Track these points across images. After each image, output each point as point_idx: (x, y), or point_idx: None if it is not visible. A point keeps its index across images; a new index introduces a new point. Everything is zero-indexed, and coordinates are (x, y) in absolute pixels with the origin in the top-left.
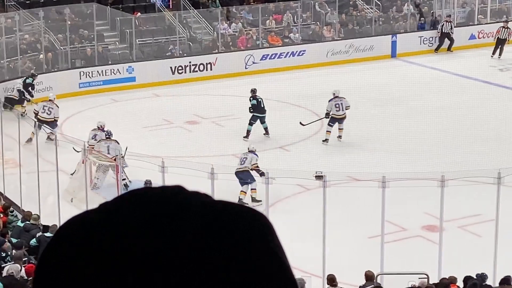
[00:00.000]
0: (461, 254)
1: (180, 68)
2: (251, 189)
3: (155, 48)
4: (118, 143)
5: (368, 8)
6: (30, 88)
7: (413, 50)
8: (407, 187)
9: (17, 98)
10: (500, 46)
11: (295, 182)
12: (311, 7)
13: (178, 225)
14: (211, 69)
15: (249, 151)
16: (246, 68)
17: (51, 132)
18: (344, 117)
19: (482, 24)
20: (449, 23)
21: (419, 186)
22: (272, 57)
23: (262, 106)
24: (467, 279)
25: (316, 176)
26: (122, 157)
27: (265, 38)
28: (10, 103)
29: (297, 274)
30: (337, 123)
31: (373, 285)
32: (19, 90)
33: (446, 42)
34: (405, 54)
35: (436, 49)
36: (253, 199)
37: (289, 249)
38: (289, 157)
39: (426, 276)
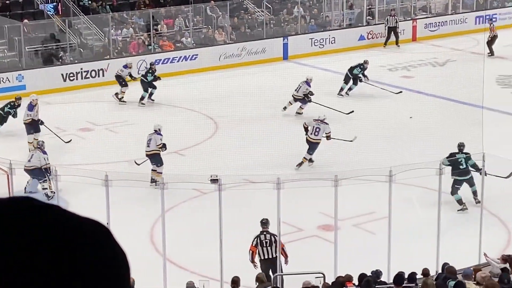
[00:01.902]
0: (356, 252)
1: (71, 75)
2: (155, 171)
3: (45, 55)
4: (45, 153)
5: (259, 11)
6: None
7: (304, 52)
8: (302, 187)
9: None
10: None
11: (190, 186)
12: (203, 11)
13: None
14: (103, 75)
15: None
16: (138, 73)
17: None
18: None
19: (371, 25)
20: (393, 17)
21: (314, 187)
22: (165, 62)
23: None
24: (362, 277)
25: (211, 179)
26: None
27: (157, 43)
28: None
29: (194, 278)
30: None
31: (270, 287)
32: None
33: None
34: (296, 56)
35: (385, 44)
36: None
37: (186, 254)
38: (184, 161)
39: (322, 275)
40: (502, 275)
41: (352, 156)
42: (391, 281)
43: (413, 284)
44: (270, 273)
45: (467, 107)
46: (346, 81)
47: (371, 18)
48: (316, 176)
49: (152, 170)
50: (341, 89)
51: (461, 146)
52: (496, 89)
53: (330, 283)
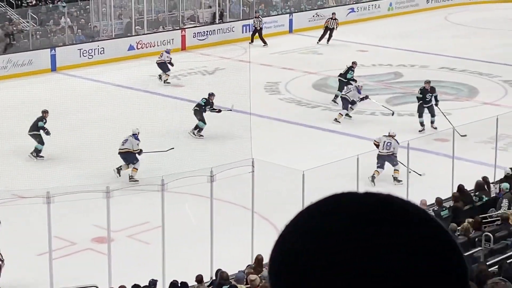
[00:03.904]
0: (131, 262)
1: None
2: (134, 168)
3: None
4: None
5: (24, 22)
6: None
7: (73, 63)
8: (74, 200)
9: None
10: (329, 34)
11: None
12: None
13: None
14: None
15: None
16: None
17: None
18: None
19: (140, 35)
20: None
21: (86, 199)
22: None
23: None
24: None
25: None
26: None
27: None
28: None
29: None
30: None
31: None
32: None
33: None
34: (65, 68)
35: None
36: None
37: None
38: None
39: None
40: None
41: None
42: None
43: None
44: None
45: (237, 114)
46: (340, 88)
47: (140, 28)
48: (88, 188)
49: (134, 168)
50: (336, 96)
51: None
52: (264, 95)
53: None
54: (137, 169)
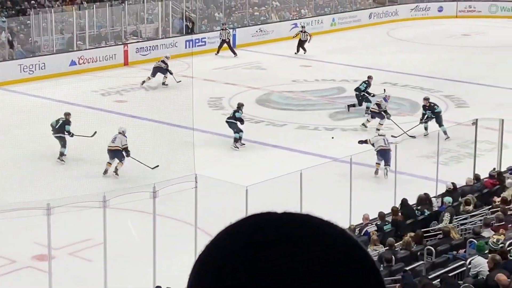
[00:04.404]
0: (73, 280)
1: None
2: (121, 162)
3: None
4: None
5: None
6: None
7: (14, 79)
8: (14, 218)
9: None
10: (301, 46)
11: None
12: None
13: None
14: None
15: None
16: None
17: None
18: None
19: (81, 50)
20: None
21: (26, 216)
22: None
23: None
24: None
25: None
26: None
27: None
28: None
29: None
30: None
31: None
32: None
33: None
34: (5, 83)
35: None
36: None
37: None
38: None
39: None
40: None
41: (68, 181)
42: None
43: None
44: None
45: (180, 129)
46: (360, 102)
47: (82, 43)
48: (28, 205)
49: (108, 163)
50: (352, 105)
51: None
52: (207, 111)
53: None
54: (123, 164)
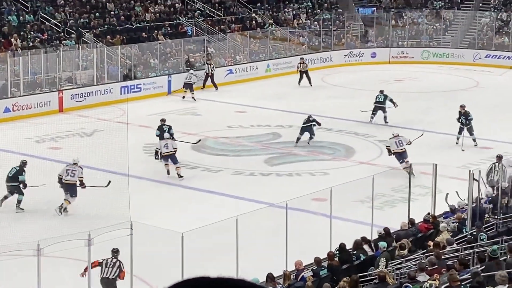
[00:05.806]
0: None
1: None
2: (68, 201)
3: None
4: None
5: None
6: None
7: None
8: None
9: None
10: (306, 76)
11: None
12: None
13: None
14: None
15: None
16: None
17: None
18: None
19: (16, 97)
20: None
21: None
22: None
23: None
24: None
25: None
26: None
27: None
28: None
29: None
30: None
31: None
32: None
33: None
34: None
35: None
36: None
37: None
38: None
39: None
40: None
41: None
42: None
43: None
44: None
45: (115, 175)
46: (375, 111)
47: (16, 90)
48: None
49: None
50: (385, 117)
51: None
52: (143, 157)
53: None
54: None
